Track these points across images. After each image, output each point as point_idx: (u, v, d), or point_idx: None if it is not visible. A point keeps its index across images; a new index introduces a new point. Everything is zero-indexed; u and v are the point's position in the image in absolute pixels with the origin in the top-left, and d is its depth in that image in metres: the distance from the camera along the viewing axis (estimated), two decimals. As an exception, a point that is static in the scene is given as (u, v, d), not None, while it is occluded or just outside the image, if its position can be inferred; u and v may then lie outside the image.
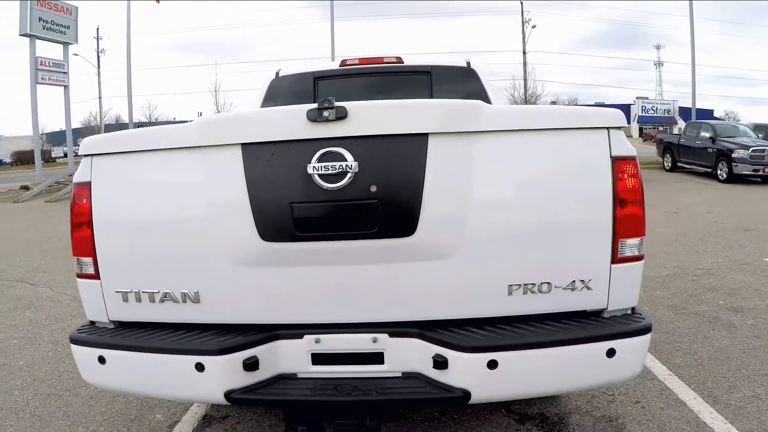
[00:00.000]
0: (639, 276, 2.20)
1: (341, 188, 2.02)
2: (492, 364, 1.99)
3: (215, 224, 2.10)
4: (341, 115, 2.01)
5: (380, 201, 2.03)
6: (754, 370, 3.59)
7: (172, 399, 2.84)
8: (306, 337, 2.15)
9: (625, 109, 54.03)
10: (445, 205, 2.05)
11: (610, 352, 2.03)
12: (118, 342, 2.21)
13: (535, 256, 2.10)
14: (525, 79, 41.35)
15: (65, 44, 22.19)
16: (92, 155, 2.26)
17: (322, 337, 2.16)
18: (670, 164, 19.19)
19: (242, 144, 2.08)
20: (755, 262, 6.52)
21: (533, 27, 38.81)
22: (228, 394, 2.06)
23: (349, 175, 2.01)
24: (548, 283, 2.11)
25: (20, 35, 19.95)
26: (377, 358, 2.16)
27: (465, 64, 4.26)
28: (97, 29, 50.54)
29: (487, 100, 3.94)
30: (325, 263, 2.13)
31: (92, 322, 2.37)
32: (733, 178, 15.46)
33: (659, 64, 65.03)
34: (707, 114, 40.27)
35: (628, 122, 51.08)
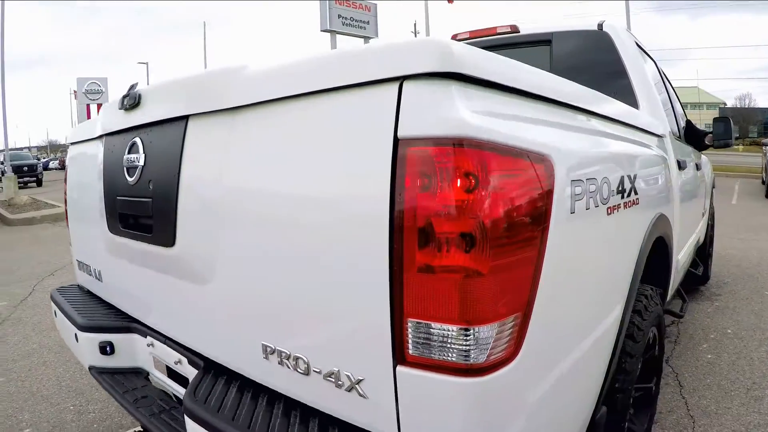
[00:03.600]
0: (492, 408, 1.07)
1: (135, 183, 1.88)
2: None
3: (96, 210, 2.22)
4: (134, 102, 1.87)
5: (153, 201, 1.78)
6: None
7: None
8: (148, 337, 1.98)
9: None
10: (197, 212, 1.60)
11: None
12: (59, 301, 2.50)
13: (285, 307, 1.32)
14: None
15: (365, 38, 24.04)
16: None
17: (154, 342, 1.94)
18: None
19: (103, 135, 2.18)
20: None
21: None
22: (90, 368, 2.09)
23: (138, 168, 1.85)
24: (303, 359, 1.29)
25: (321, 31, 22.26)
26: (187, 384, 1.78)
27: (596, 27, 3.09)
28: (414, 25, 54.78)
29: (622, 73, 2.92)
30: (136, 262, 1.97)
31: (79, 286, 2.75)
32: None
33: None
34: None
35: None
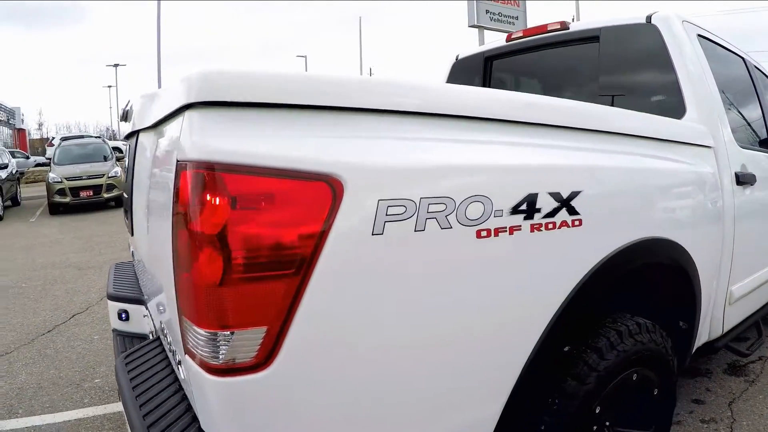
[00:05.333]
0: (245, 406, 1.14)
1: (126, 181, 2.30)
2: None
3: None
4: (124, 116, 2.29)
5: (127, 197, 2.22)
6: None
7: None
8: (146, 307, 2.24)
9: None
10: (140, 209, 1.95)
11: None
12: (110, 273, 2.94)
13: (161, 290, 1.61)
14: None
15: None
16: None
17: (149, 313, 2.18)
18: None
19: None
20: None
21: None
22: (113, 330, 2.49)
23: (128, 169, 2.25)
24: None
25: (469, 27, 22.04)
26: None
27: (644, 20, 2.72)
28: (572, 19, 51.84)
29: (669, 71, 2.56)
30: (133, 246, 2.39)
31: None
32: None
33: None
34: None
35: None
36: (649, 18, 2.68)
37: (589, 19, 3.13)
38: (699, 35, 2.72)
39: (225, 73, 1.12)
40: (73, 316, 5.21)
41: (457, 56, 3.93)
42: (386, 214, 1.18)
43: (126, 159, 2.52)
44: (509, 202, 1.40)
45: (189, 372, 1.24)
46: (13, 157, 20.18)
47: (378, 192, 1.18)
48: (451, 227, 1.28)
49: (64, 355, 4.17)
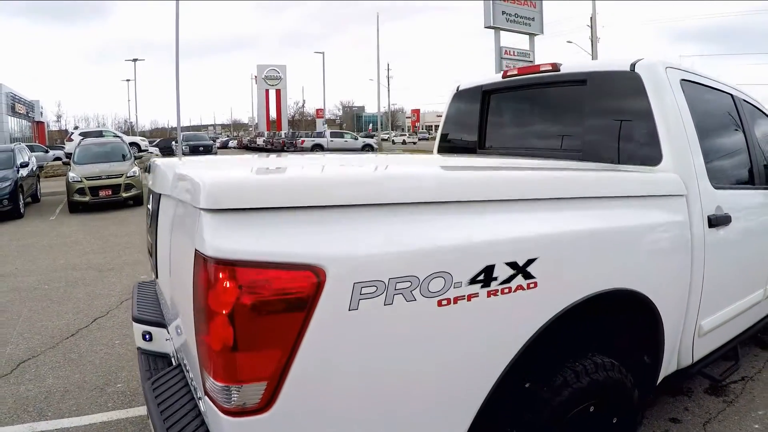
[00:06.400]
0: None
1: (150, 225, 2.67)
2: None
3: None
4: (147, 170, 2.68)
5: (152, 241, 2.59)
6: None
7: None
8: (168, 331, 2.46)
9: None
10: (163, 253, 2.27)
11: None
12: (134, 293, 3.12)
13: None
14: None
15: (531, 35, 23.37)
16: None
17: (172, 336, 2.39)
18: None
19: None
20: None
21: None
22: (138, 348, 2.68)
23: (152, 216, 2.60)
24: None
25: (485, 28, 22.16)
26: None
27: (627, 68, 2.86)
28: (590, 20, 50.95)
29: (648, 120, 2.71)
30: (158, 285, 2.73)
31: None
32: None
33: None
34: None
35: None
36: (633, 66, 2.83)
37: (578, 61, 3.31)
38: (683, 80, 2.86)
39: (232, 185, 1.46)
40: (95, 319, 5.50)
41: (458, 87, 4.15)
42: (360, 294, 1.47)
43: (150, 205, 2.74)
44: (468, 275, 1.66)
45: (208, 409, 1.52)
46: (32, 151, 20.59)
47: (354, 276, 1.47)
48: (416, 299, 1.56)
49: (87, 360, 4.47)
